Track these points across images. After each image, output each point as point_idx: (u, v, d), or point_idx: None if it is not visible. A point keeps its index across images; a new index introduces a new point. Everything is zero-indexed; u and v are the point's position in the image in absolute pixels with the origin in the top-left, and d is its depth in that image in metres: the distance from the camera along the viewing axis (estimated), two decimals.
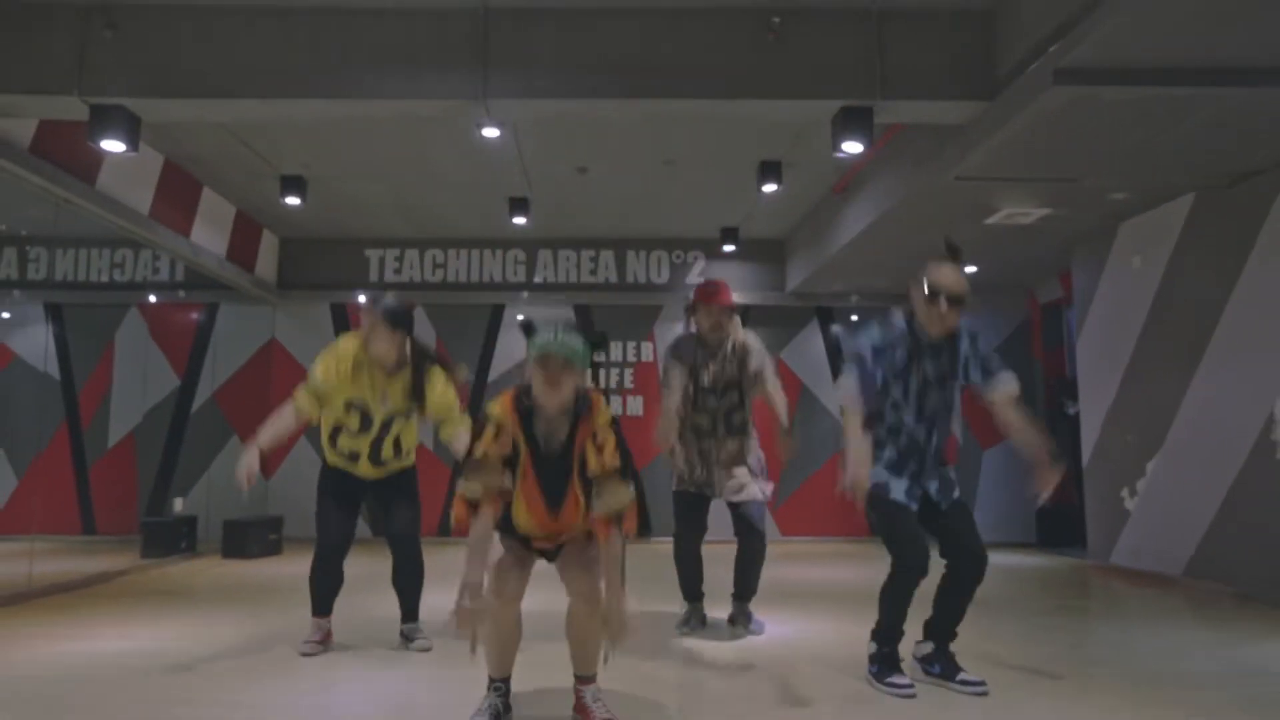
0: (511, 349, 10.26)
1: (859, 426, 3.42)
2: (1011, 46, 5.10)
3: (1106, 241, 7.55)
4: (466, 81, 5.29)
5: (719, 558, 4.83)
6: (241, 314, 10.10)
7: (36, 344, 9.51)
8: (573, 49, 5.35)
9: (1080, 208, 6.93)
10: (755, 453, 4.81)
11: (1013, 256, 8.51)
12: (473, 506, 2.92)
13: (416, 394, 4.14)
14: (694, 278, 10.38)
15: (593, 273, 10.48)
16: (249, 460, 3.87)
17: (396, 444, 4.27)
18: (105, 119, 5.17)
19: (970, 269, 9.00)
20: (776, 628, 4.78)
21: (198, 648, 4.25)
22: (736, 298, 5.00)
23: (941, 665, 3.53)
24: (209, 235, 8.41)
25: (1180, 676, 3.77)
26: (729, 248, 9.91)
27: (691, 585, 4.81)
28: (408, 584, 4.37)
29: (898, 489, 3.49)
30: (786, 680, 3.67)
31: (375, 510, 4.49)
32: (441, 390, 4.22)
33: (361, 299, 10.17)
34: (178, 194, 7.85)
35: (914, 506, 3.51)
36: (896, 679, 3.45)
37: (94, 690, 3.49)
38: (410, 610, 4.38)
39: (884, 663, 3.52)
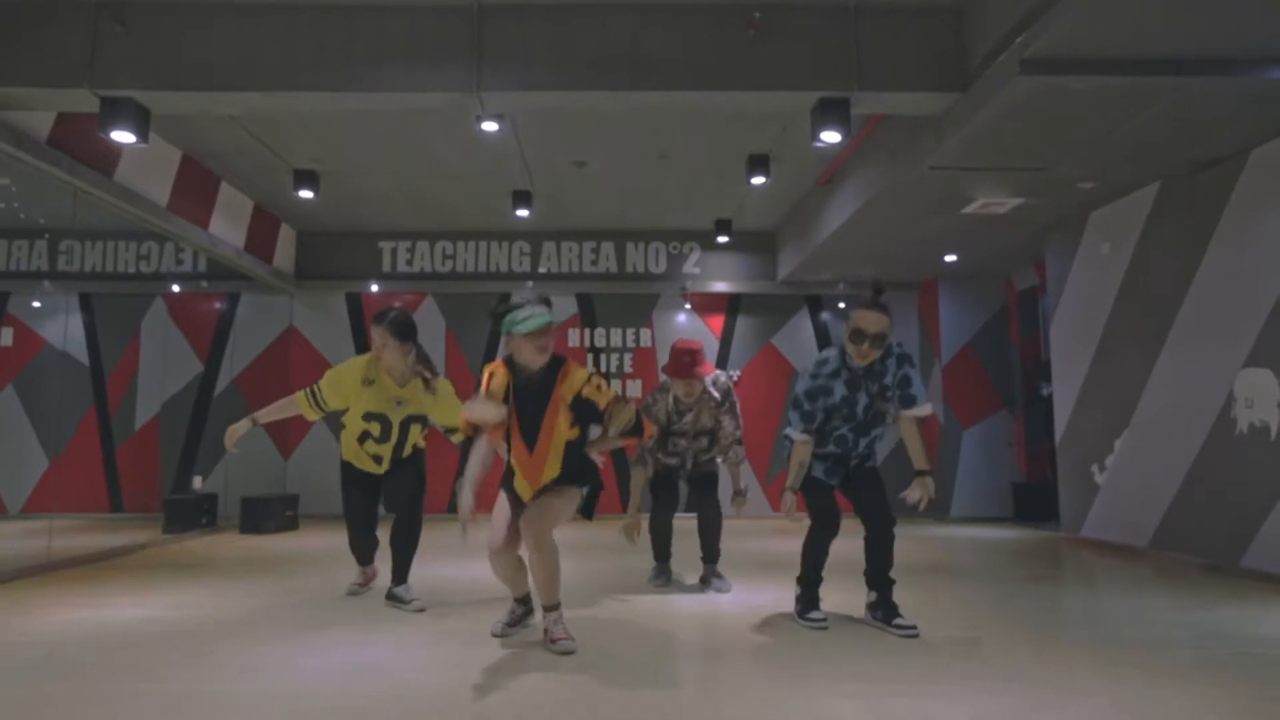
0: None
1: (807, 456, 3.86)
2: (981, 38, 4.99)
3: (1077, 230, 7.44)
4: (461, 75, 5.21)
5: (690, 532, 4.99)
6: (261, 303, 10.06)
7: (67, 332, 9.48)
8: (563, 43, 5.26)
9: (1052, 197, 6.81)
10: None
11: (990, 245, 8.40)
12: (475, 430, 3.44)
13: (430, 394, 4.40)
14: (690, 268, 10.32)
15: (594, 263, 10.42)
16: (239, 426, 4.24)
17: (413, 443, 4.53)
18: (116, 111, 5.11)
19: (950, 258, 8.95)
20: (754, 594, 4.74)
21: (207, 615, 4.21)
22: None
23: (883, 611, 3.86)
24: (227, 228, 8.35)
25: (1143, 639, 3.71)
26: (723, 239, 9.85)
27: (661, 549, 5.09)
28: (403, 545, 4.42)
29: (818, 469, 3.96)
30: (746, 631, 3.65)
31: (387, 484, 4.57)
32: (452, 400, 4.49)
33: (374, 288, 10.15)
34: (196, 187, 7.78)
35: (833, 483, 3.98)
36: (813, 614, 3.88)
37: (102, 653, 3.43)
38: (401, 572, 4.41)
39: (805, 602, 3.97)
